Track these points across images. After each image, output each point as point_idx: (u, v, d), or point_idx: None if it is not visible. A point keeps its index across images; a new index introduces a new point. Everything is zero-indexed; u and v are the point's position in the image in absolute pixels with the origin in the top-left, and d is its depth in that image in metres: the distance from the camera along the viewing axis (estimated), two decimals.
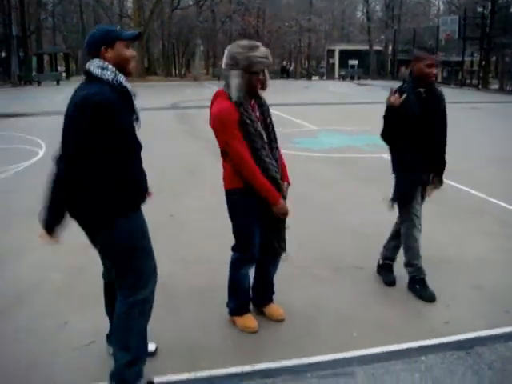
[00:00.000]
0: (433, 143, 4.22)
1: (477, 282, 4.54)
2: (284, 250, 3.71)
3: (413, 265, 4.32)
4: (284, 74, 50.88)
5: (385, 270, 4.62)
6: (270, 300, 3.94)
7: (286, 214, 3.49)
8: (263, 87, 3.43)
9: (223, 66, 3.36)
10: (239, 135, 3.30)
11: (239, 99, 3.30)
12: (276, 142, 3.56)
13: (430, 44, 46.06)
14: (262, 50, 3.30)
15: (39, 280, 4.63)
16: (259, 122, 3.41)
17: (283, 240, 3.68)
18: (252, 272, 3.81)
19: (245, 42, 3.35)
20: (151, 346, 3.37)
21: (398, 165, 4.27)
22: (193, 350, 3.48)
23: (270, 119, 3.55)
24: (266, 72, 3.37)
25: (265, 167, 3.36)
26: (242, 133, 3.31)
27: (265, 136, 3.42)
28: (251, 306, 3.89)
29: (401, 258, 4.46)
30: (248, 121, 3.31)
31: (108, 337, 3.40)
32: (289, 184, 3.68)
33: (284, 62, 57.63)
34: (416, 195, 4.23)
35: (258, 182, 3.35)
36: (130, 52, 2.85)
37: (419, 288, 4.29)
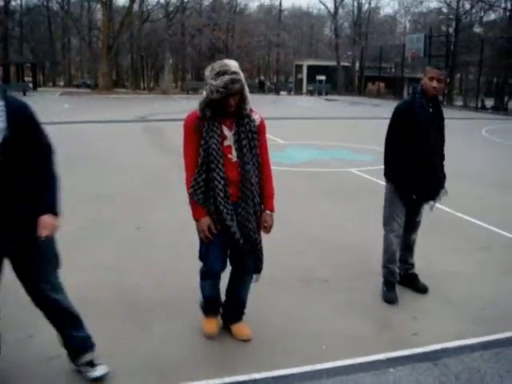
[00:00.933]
0: (435, 158, 4.34)
1: (445, 294, 4.60)
2: (257, 271, 3.60)
3: (387, 267, 4.44)
4: (261, 88, 50.95)
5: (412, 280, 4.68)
6: (238, 319, 3.82)
7: (201, 232, 3.41)
8: (238, 109, 3.32)
9: None
10: (192, 142, 3.34)
11: (202, 115, 3.30)
12: (251, 163, 3.39)
13: (396, 61, 46.96)
14: (224, 79, 3.13)
15: (3, 291, 4.50)
16: (222, 143, 3.33)
17: (260, 260, 3.56)
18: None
19: (217, 66, 3.20)
20: (100, 370, 3.21)
21: (399, 172, 4.28)
22: (162, 364, 3.43)
23: (249, 141, 3.37)
24: (232, 100, 3.22)
25: (212, 186, 3.34)
26: (202, 146, 3.32)
27: (235, 156, 3.37)
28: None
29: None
30: (206, 136, 3.30)
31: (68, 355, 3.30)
32: (272, 211, 3.54)
33: (262, 77, 57.91)
34: (409, 201, 4.37)
35: (188, 194, 3.39)
36: None
37: (385, 290, 4.42)
